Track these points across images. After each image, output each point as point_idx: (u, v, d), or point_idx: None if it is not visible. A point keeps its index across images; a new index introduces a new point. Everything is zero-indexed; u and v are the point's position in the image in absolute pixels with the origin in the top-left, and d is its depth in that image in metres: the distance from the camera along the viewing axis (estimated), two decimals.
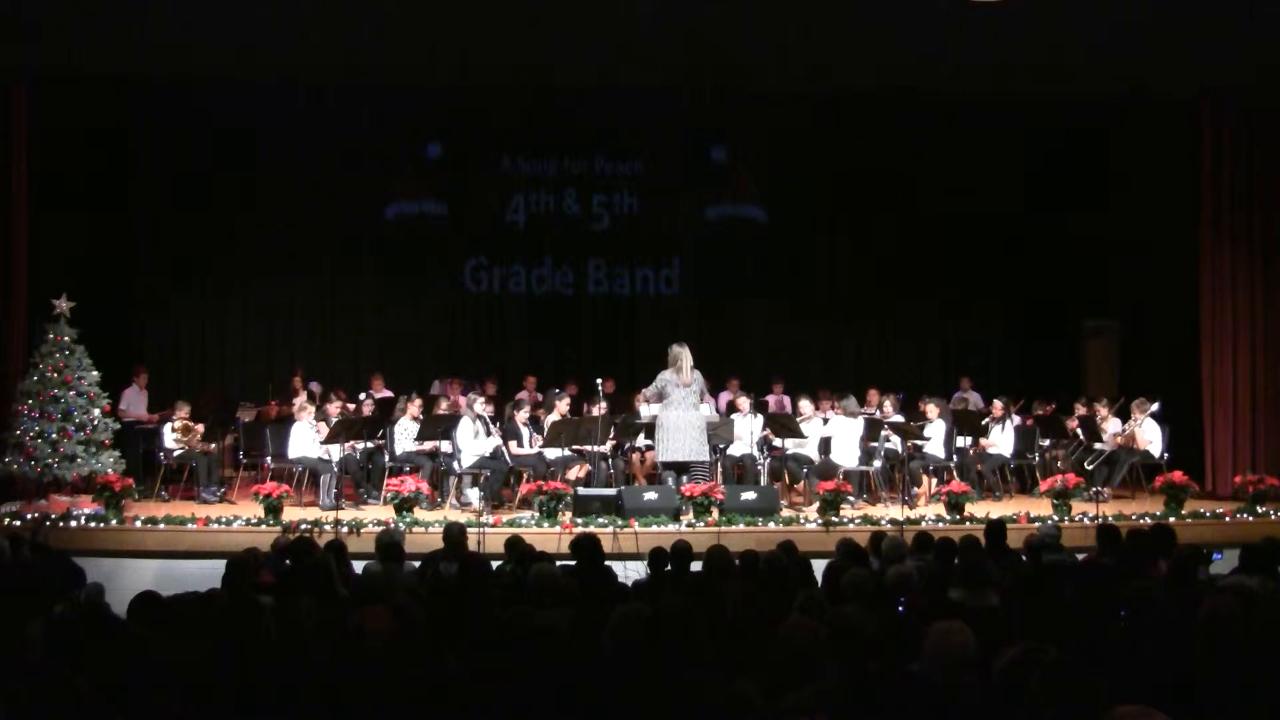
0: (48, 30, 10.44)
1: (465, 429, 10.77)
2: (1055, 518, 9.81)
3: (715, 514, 9.84)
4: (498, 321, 14.94)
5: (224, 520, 9.73)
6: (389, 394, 12.49)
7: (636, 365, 13.04)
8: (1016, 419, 12.08)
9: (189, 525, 9.62)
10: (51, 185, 12.05)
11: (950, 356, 14.91)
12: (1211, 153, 12.32)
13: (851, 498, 10.48)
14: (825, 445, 11.26)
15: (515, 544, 7.18)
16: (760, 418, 11.58)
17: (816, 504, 10.28)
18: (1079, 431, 11.91)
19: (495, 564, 6.82)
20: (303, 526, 9.30)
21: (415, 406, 11.18)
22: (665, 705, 3.47)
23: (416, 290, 14.74)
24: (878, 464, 11.22)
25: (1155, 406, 11.53)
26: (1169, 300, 13.25)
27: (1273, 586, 5.39)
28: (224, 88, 12.92)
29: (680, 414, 10.33)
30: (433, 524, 9.18)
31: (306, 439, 10.80)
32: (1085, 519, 9.89)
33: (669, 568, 6.36)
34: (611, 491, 10.24)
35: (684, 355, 10.42)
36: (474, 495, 10.78)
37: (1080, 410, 12.26)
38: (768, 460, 11.23)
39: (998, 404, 11.81)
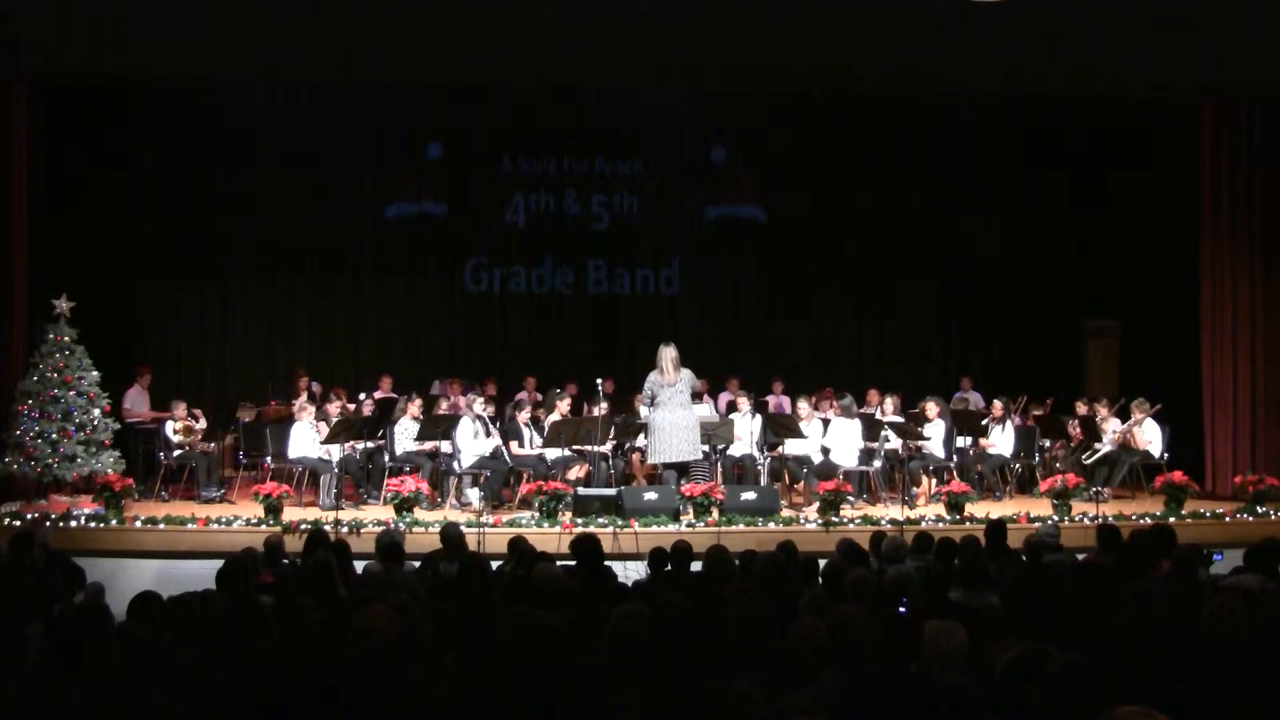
0: (48, 30, 10.44)
1: (465, 429, 10.77)
2: (1055, 518, 9.81)
3: (715, 514, 9.84)
4: (498, 321, 14.95)
5: (224, 520, 9.74)
6: (392, 395, 12.49)
7: (636, 365, 13.03)
8: (1016, 419, 12.08)
9: (189, 525, 9.63)
10: (51, 185, 12.06)
11: (950, 356, 14.90)
12: (1212, 153, 12.32)
13: (851, 498, 10.47)
14: (825, 446, 11.26)
15: (517, 544, 7.19)
16: (760, 418, 11.57)
17: (816, 504, 10.28)
18: (1076, 427, 11.91)
19: (496, 564, 6.83)
20: (303, 527, 9.29)
21: (415, 406, 11.19)
22: (665, 705, 3.47)
23: (416, 290, 14.75)
24: (878, 464, 11.22)
25: (1155, 407, 11.53)
26: (1169, 300, 13.25)
27: (1272, 587, 5.39)
28: (224, 88, 12.93)
29: (668, 414, 10.31)
30: (433, 524, 9.18)
31: (306, 439, 10.80)
32: (1085, 519, 9.89)
33: (669, 568, 6.36)
34: (611, 491, 10.23)
35: (664, 355, 10.38)
36: (474, 495, 10.78)
37: (1080, 410, 12.26)
38: (768, 460, 11.22)
39: (998, 404, 11.80)
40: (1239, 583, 5.55)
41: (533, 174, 14.81)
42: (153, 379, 12.26)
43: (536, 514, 9.77)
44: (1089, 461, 11.28)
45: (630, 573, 7.65)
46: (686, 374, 10.47)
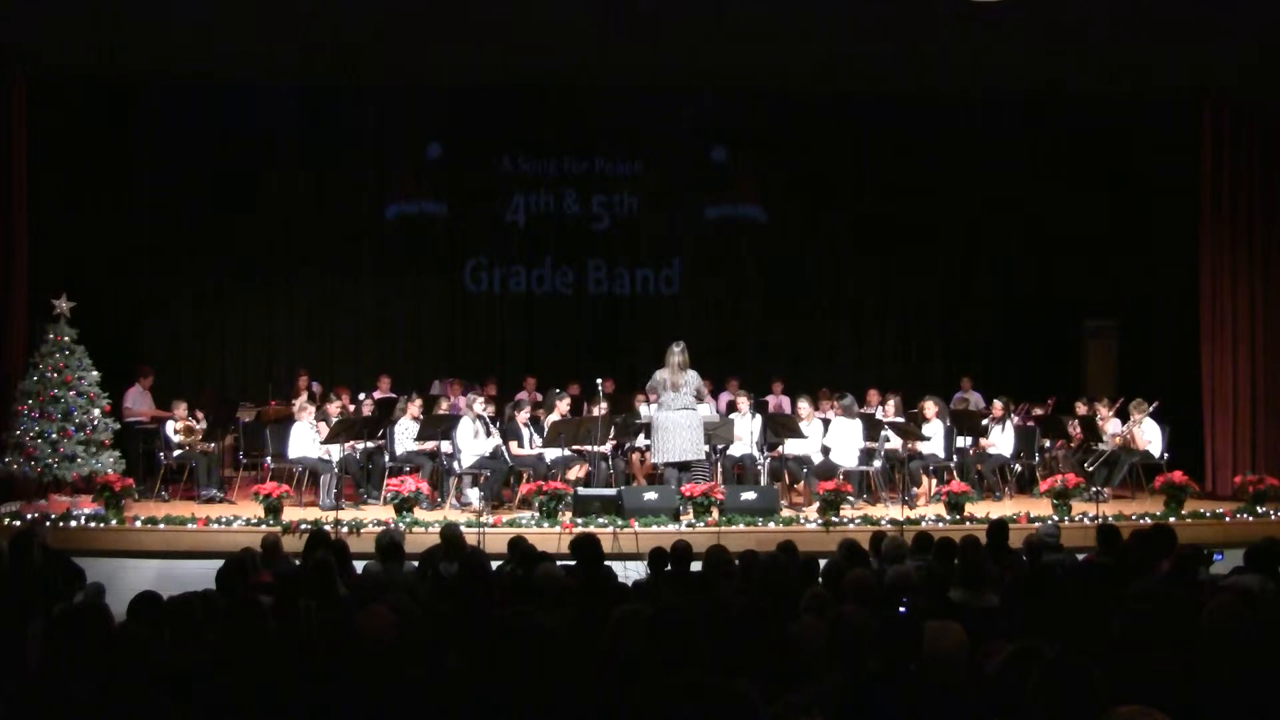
0: (48, 30, 10.44)
1: (465, 429, 10.77)
2: (1055, 518, 9.81)
3: (715, 514, 9.84)
4: (498, 321, 14.95)
5: (224, 520, 9.73)
6: (392, 395, 12.50)
7: (636, 365, 13.04)
8: (1016, 419, 12.08)
9: (189, 525, 9.63)
10: (51, 185, 12.05)
11: (950, 356, 14.90)
12: (1212, 152, 12.32)
13: (851, 498, 10.47)
14: (825, 446, 11.26)
15: (517, 544, 7.18)
16: (760, 418, 11.56)
17: (816, 504, 10.28)
18: (1076, 428, 11.92)
19: (495, 564, 6.82)
20: (303, 527, 9.29)
21: (415, 406, 11.19)
22: (665, 705, 3.47)
23: (416, 290, 14.75)
24: (878, 464, 11.22)
25: (1153, 407, 11.52)
26: (1169, 300, 13.25)
27: (1272, 587, 5.39)
28: (224, 88, 12.94)
29: (670, 414, 10.34)
30: (433, 524, 9.17)
31: (306, 439, 10.80)
32: (1085, 519, 9.89)
33: (669, 568, 6.36)
34: (611, 491, 10.23)
35: (671, 354, 10.42)
36: (474, 495, 10.78)
37: (1080, 410, 12.26)
38: (768, 460, 11.22)
39: (998, 404, 11.80)
40: (1239, 583, 5.55)
41: (533, 174, 14.80)
42: (154, 380, 12.25)
43: (536, 514, 9.77)
44: (1090, 469, 11.28)
45: (630, 573, 7.65)
46: (692, 374, 10.48)
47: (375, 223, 14.47)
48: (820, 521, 9.88)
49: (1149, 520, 9.65)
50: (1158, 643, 3.87)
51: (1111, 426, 11.71)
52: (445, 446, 10.96)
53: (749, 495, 10.17)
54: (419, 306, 14.80)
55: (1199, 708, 3.47)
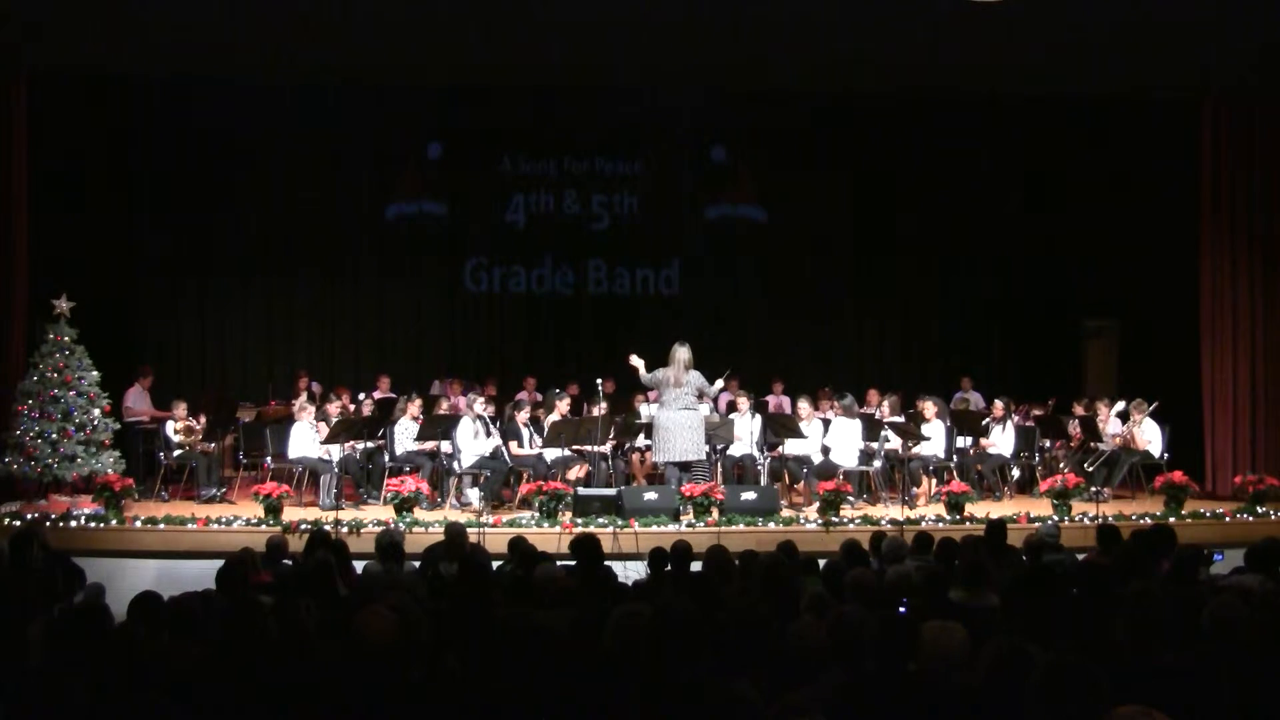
0: (48, 30, 10.45)
1: (465, 429, 10.77)
2: (1055, 518, 9.81)
3: (715, 514, 9.83)
4: (498, 321, 14.95)
5: (224, 520, 9.72)
6: (391, 395, 12.50)
7: None
8: (1016, 419, 12.08)
9: (189, 525, 9.62)
10: (51, 185, 12.05)
11: (950, 356, 14.90)
12: (1212, 152, 12.32)
13: (851, 498, 10.48)
14: (825, 446, 11.26)
15: (517, 544, 7.19)
16: (760, 418, 11.56)
17: (816, 504, 10.28)
18: (1076, 428, 11.92)
19: (495, 564, 6.83)
20: (303, 527, 9.29)
21: (415, 406, 11.19)
22: (665, 705, 3.47)
23: (416, 290, 14.75)
24: (878, 464, 11.22)
25: (1153, 407, 11.52)
26: (1169, 300, 13.25)
27: (1272, 587, 5.39)
28: (224, 87, 12.92)
29: (671, 414, 10.35)
30: (433, 524, 9.18)
31: (306, 439, 10.80)
32: (1085, 519, 9.89)
33: (669, 568, 6.36)
34: (611, 491, 10.23)
35: (677, 354, 10.42)
36: (474, 495, 10.78)
37: (1080, 410, 12.26)
38: (768, 460, 11.22)
39: (998, 404, 11.80)
40: (1239, 583, 5.56)
41: (533, 174, 14.80)
42: (154, 380, 12.25)
43: (536, 514, 9.76)
44: (1090, 469, 11.27)
45: (630, 573, 7.65)
46: (695, 376, 10.47)
47: (375, 223, 14.47)
48: (820, 521, 9.88)
49: (1149, 520, 9.65)
50: (1158, 643, 3.87)
51: (1111, 426, 11.71)
52: (445, 446, 10.96)
53: (749, 495, 10.17)
54: (419, 307, 14.81)
55: (1199, 708, 3.47)
